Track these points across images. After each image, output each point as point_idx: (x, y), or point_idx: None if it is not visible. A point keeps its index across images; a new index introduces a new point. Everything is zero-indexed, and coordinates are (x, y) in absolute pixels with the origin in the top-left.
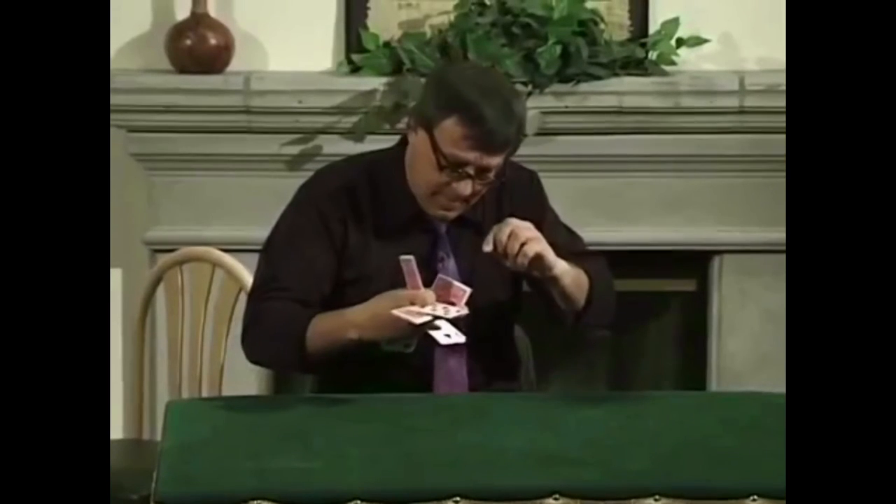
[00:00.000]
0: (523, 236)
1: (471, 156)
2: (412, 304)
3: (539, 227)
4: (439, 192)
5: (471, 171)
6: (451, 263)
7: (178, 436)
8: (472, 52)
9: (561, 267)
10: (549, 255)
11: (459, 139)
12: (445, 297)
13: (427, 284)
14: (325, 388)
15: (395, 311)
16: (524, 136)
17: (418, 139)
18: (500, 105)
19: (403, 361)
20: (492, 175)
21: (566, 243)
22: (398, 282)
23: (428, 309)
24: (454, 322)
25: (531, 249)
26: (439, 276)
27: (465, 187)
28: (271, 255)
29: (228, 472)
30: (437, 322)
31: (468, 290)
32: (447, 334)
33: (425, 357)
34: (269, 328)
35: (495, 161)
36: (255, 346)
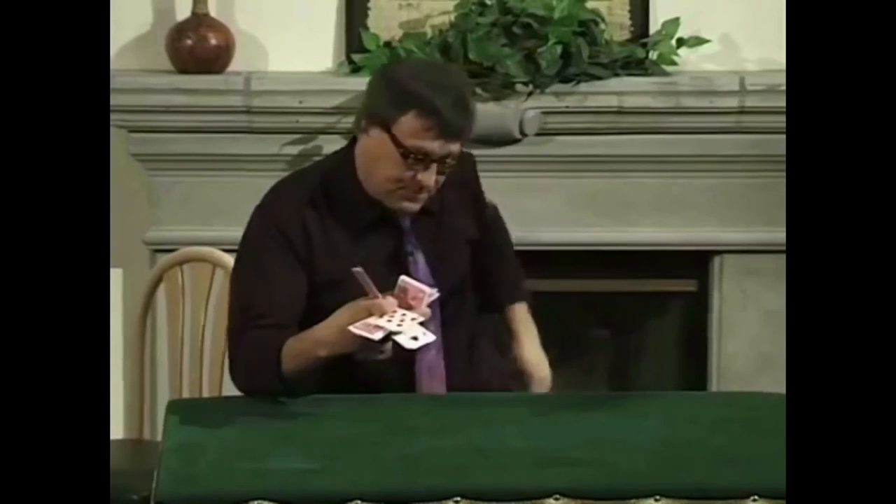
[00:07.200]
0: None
1: (434, 144)
2: (370, 314)
3: (478, 211)
4: (403, 185)
5: (435, 158)
6: (419, 257)
7: (179, 436)
8: (473, 53)
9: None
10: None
11: (421, 131)
12: (406, 301)
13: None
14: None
15: (352, 328)
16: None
17: (373, 139)
18: (453, 95)
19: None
20: (451, 161)
21: (499, 245)
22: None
23: (383, 321)
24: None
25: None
26: (401, 278)
27: (430, 177)
28: (241, 283)
29: (228, 472)
30: (401, 327)
31: (428, 290)
32: (414, 337)
33: (405, 350)
34: (248, 360)
35: (456, 147)
36: (240, 378)
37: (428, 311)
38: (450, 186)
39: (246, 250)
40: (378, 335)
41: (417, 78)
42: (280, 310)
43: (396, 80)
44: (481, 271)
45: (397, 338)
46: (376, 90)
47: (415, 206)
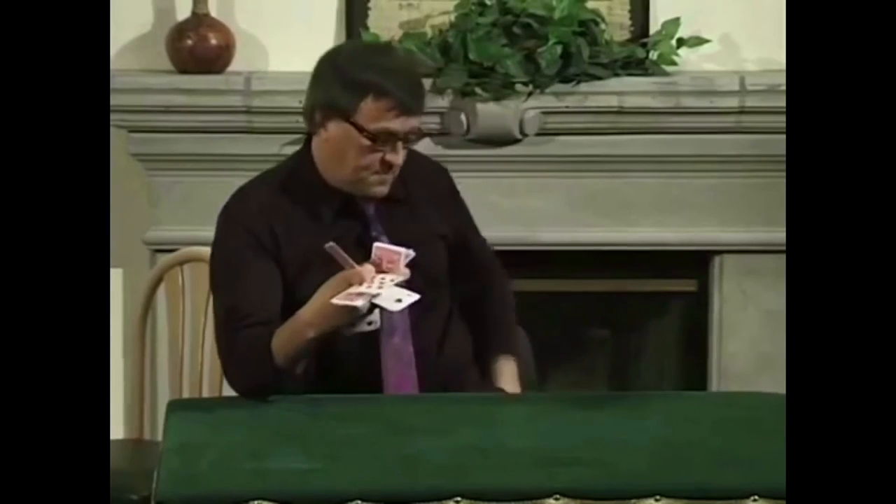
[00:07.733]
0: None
1: (397, 123)
2: (350, 284)
3: (450, 209)
4: (372, 169)
5: (400, 137)
6: (384, 241)
7: (179, 436)
8: (473, 53)
9: None
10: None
11: (384, 112)
12: (383, 266)
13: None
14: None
15: (334, 300)
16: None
17: (333, 132)
18: (403, 71)
19: (349, 343)
20: (414, 136)
21: (470, 230)
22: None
23: (363, 288)
24: (402, 285)
25: None
26: (375, 244)
27: (397, 156)
28: (220, 287)
29: (228, 472)
30: (383, 291)
31: (403, 251)
32: (398, 299)
33: (369, 336)
34: (243, 360)
35: (416, 122)
36: (237, 379)
37: (406, 270)
38: (418, 184)
39: (218, 254)
40: (360, 302)
41: (365, 63)
42: (263, 306)
43: (345, 69)
44: (478, 317)
45: (380, 301)
46: (325, 84)
47: (385, 188)
